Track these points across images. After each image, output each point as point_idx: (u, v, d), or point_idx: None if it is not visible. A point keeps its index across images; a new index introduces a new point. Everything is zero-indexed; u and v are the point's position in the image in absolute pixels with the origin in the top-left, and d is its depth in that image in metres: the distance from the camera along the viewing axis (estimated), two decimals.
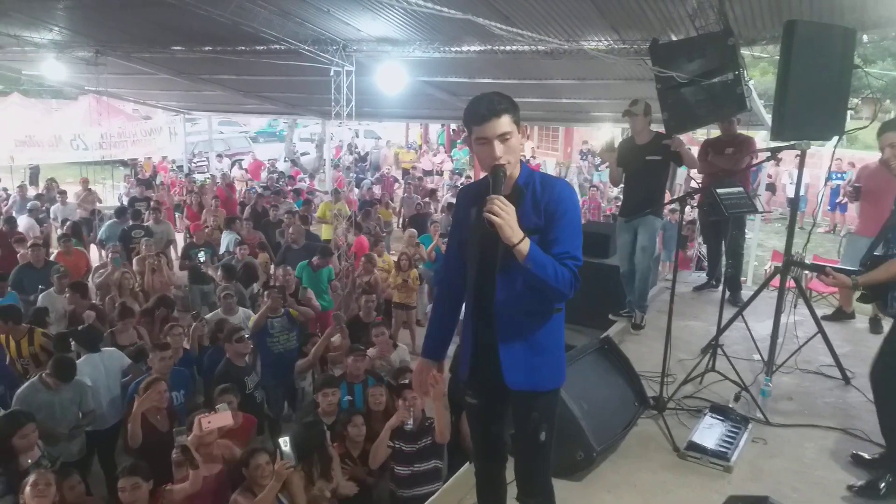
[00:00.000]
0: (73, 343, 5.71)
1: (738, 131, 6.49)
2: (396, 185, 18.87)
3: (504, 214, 2.04)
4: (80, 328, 5.91)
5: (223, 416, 4.12)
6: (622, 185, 5.85)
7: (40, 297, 7.16)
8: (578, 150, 25.03)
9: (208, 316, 6.72)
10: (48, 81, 18.74)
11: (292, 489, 3.91)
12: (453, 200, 13.82)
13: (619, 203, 6.30)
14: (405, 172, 21.02)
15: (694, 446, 3.56)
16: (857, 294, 3.43)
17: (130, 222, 10.57)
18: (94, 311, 6.69)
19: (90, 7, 9.60)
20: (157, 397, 4.64)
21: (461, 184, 17.47)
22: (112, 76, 13.76)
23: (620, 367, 3.99)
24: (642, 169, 5.30)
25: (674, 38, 6.48)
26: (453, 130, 26.67)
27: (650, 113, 5.36)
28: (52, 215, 12.29)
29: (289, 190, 15.05)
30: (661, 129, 5.63)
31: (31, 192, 14.73)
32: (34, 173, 18.69)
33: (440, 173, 21.19)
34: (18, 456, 4.00)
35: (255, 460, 3.84)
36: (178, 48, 10.72)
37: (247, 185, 17.97)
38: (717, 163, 6.28)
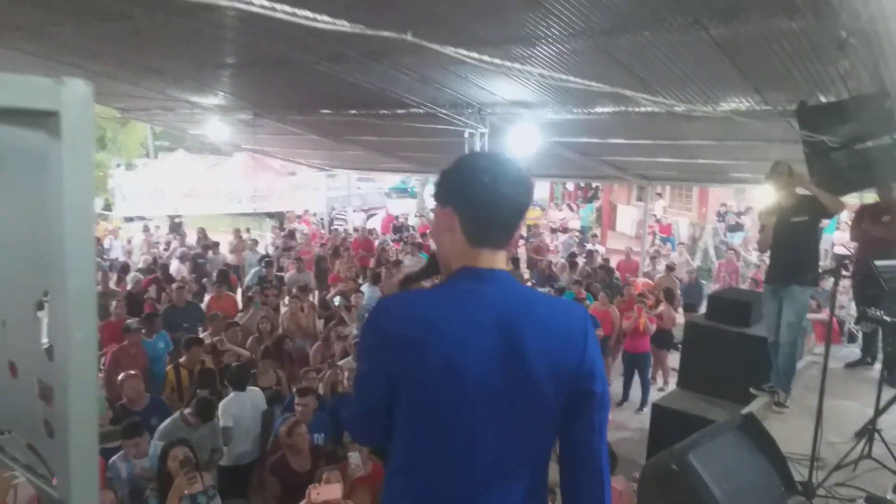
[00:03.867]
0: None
1: None
2: (521, 242, 18.98)
3: None
4: (232, 366, 6.40)
5: (332, 489, 4.27)
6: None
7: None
8: (715, 212, 24.08)
9: (341, 362, 7.04)
10: (210, 139, 20.81)
11: None
12: (575, 257, 13.75)
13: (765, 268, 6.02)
14: (529, 229, 21.13)
15: None
16: None
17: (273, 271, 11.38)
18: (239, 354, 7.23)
19: (251, 75, 10.63)
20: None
21: (583, 242, 17.24)
22: (266, 136, 15.08)
23: (764, 447, 3.76)
24: (789, 232, 5.05)
25: (823, 100, 6.21)
26: (581, 187, 26.60)
27: (794, 174, 5.14)
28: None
29: (417, 243, 15.60)
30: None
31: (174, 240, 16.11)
32: (177, 224, 20.34)
33: (565, 231, 21.07)
34: (174, 477, 4.31)
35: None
36: (327, 111, 11.57)
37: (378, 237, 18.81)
38: (872, 231, 5.88)
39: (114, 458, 4.77)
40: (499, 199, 1.57)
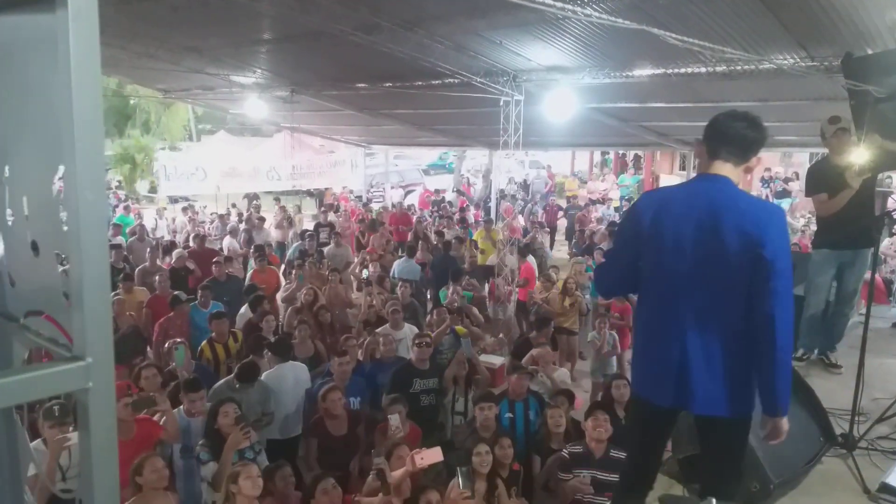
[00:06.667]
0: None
1: None
2: (560, 213, 18.86)
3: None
4: (272, 338, 6.54)
5: (434, 453, 4.04)
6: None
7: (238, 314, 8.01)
8: (760, 178, 23.46)
9: (378, 330, 7.13)
10: (250, 120, 21.10)
11: None
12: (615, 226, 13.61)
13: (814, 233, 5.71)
14: (568, 201, 20.96)
15: (889, 489, 3.22)
16: None
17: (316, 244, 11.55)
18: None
19: (287, 51, 10.75)
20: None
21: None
22: (303, 113, 15.25)
23: (804, 398, 3.70)
24: (859, 192, 4.76)
25: (870, 52, 5.99)
26: (622, 155, 26.19)
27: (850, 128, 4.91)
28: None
29: (457, 218, 15.61)
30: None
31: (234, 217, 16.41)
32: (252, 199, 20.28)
33: (604, 201, 20.81)
34: (223, 434, 4.44)
35: (427, 497, 3.77)
36: (362, 85, 11.63)
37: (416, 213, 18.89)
38: None
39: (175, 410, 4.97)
40: (728, 129, 2.44)
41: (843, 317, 5.03)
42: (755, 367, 2.35)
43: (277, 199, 17.12)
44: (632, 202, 19.21)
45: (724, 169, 2.45)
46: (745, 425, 2.53)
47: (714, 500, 1.65)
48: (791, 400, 3.66)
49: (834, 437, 3.66)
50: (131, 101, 27.48)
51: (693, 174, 15.46)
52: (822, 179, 4.83)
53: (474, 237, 12.61)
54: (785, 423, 2.44)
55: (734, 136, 2.43)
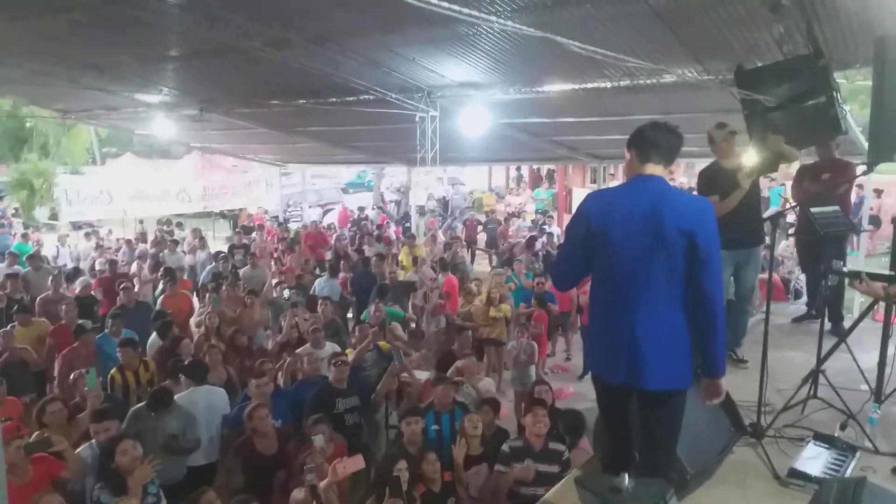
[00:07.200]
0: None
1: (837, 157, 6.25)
2: (479, 227, 19.11)
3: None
4: (186, 362, 6.27)
5: (356, 461, 4.23)
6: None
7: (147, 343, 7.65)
8: None
9: (298, 350, 6.97)
10: (158, 141, 20.29)
11: None
12: (536, 239, 13.94)
13: None
14: (487, 216, 21.26)
15: (797, 473, 3.39)
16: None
17: (230, 267, 11.20)
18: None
19: (195, 68, 10.42)
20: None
21: (542, 225, 17.47)
22: (214, 132, 14.84)
23: None
24: (749, 194, 4.91)
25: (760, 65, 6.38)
26: (537, 169, 26.83)
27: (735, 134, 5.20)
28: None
29: (376, 235, 15.54)
30: None
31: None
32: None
33: (520, 215, 21.25)
34: (124, 475, 4.18)
35: None
36: (275, 102, 11.43)
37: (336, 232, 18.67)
38: (812, 189, 6.05)
39: (80, 448, 4.67)
40: (656, 137, 2.84)
41: (744, 313, 5.29)
42: (698, 337, 2.74)
43: (179, 225, 16.49)
44: (545, 214, 19.74)
45: (657, 171, 2.82)
46: (683, 398, 2.91)
47: (626, 476, 1.73)
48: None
49: (743, 428, 3.83)
50: (27, 124, 26.01)
51: (604, 186, 15.96)
52: (713, 182, 5.01)
53: (399, 255, 12.61)
54: (723, 383, 2.88)
55: (662, 142, 2.82)
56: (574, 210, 2.84)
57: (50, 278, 9.65)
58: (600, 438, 3.37)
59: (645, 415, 2.89)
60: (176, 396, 5.48)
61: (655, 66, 6.68)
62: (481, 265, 16.52)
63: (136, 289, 9.60)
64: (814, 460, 3.51)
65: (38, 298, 9.12)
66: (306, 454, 4.47)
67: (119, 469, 4.20)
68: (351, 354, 6.66)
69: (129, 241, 14.92)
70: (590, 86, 8.31)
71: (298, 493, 4.07)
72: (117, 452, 4.23)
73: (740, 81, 5.66)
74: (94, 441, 4.73)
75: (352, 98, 10.24)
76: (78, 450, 4.67)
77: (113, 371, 6.47)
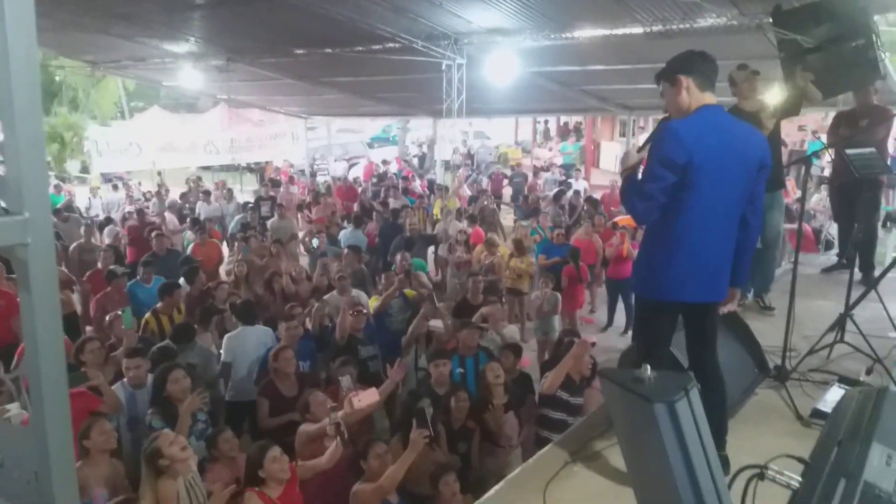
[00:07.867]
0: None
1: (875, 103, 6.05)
2: (505, 181, 19.00)
3: None
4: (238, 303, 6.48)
5: (370, 394, 4.23)
6: None
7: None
8: None
9: (326, 296, 7.07)
10: (184, 95, 20.31)
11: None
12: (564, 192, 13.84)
13: None
14: (512, 169, 21.11)
15: (820, 414, 3.38)
16: None
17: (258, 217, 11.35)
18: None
19: (221, 16, 10.38)
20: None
21: (568, 180, 17.26)
22: (240, 83, 14.80)
23: (739, 333, 3.86)
24: (771, 137, 4.95)
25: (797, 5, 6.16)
26: (564, 123, 26.43)
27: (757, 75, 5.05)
28: (196, 212, 13.27)
29: (401, 187, 15.56)
30: None
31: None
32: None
33: (549, 168, 21.07)
34: (175, 403, 4.37)
35: (374, 450, 3.81)
36: (300, 51, 11.36)
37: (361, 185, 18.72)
38: (849, 136, 5.88)
39: (116, 384, 4.84)
40: (712, 65, 2.86)
41: (771, 259, 5.23)
42: (738, 252, 2.96)
43: (200, 179, 16.60)
44: (573, 168, 19.48)
45: (714, 100, 2.84)
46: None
47: (649, 367, 1.76)
48: (727, 335, 3.83)
49: (768, 369, 3.83)
50: (56, 78, 26.18)
51: (633, 140, 15.67)
52: None
53: (433, 208, 12.70)
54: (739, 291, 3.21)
55: (712, 72, 2.86)
56: (663, 140, 2.74)
57: (82, 227, 9.89)
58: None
59: (705, 323, 3.07)
60: (227, 336, 5.76)
61: (692, 5, 6.45)
62: (506, 219, 16.46)
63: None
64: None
65: (71, 247, 9.37)
66: (309, 394, 4.52)
67: (170, 397, 4.39)
68: (376, 301, 6.76)
69: (158, 193, 15.14)
70: (621, 31, 8.09)
71: (306, 427, 4.16)
72: (168, 381, 4.42)
73: (778, 21, 5.46)
74: (125, 379, 4.89)
75: (378, 46, 10.12)
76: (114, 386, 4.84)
77: (147, 315, 6.64)
